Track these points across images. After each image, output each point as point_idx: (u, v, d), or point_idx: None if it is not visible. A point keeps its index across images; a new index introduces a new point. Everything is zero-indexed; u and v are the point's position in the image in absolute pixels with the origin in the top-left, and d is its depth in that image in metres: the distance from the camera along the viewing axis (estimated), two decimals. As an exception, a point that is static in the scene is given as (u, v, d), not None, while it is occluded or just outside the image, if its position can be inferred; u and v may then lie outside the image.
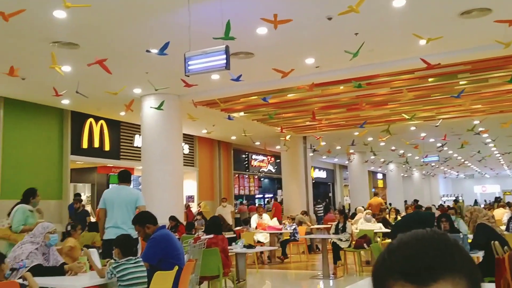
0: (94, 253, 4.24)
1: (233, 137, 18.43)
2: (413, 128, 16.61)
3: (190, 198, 17.14)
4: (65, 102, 11.55)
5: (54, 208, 11.76)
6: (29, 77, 9.10)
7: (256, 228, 11.73)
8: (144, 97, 11.24)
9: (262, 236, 11.26)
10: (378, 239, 9.95)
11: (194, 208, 16.44)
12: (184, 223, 10.53)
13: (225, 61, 6.06)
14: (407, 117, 12.42)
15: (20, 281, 3.75)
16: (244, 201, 20.90)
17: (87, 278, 4.09)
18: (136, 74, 9.47)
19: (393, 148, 21.11)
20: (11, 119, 11.10)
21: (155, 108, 9.95)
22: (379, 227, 10.80)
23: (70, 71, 8.76)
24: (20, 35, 7.17)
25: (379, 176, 36.36)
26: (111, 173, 15.60)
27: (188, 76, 6.75)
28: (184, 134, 12.37)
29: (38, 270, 4.07)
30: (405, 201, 26.67)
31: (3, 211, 10.49)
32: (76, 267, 4.25)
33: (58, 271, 4.27)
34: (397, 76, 10.31)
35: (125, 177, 6.48)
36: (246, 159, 21.54)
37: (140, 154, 12.54)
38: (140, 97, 11.20)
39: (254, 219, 12.25)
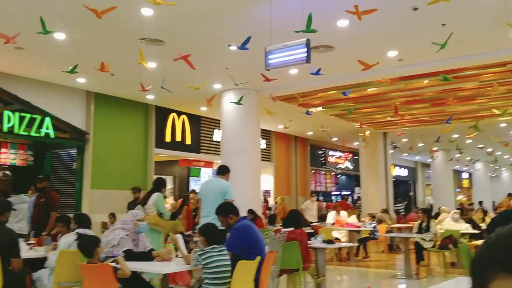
0: (180, 239, 4.39)
1: (310, 133, 18.30)
2: (503, 124, 15.57)
3: (267, 193, 17.28)
4: (150, 97, 12.06)
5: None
6: (117, 73, 9.59)
7: (333, 224, 11.59)
8: (224, 92, 11.47)
9: (340, 233, 11.09)
10: (464, 240, 9.44)
11: (271, 203, 16.55)
12: (262, 216, 10.62)
13: (306, 54, 6.02)
14: (497, 112, 11.65)
15: (113, 264, 3.96)
16: (321, 198, 20.71)
17: (173, 264, 4.24)
18: (217, 70, 9.67)
19: (481, 145, 19.91)
20: (101, 113, 11.78)
21: (235, 103, 10.12)
22: (465, 228, 10.24)
23: (155, 67, 9.13)
24: (111, 32, 7.57)
25: (465, 175, 34.50)
26: (191, 166, 16.12)
27: (268, 70, 6.79)
28: (261, 129, 12.47)
29: (129, 255, 4.29)
30: (493, 202, 25.10)
31: (94, 200, 11.22)
32: (163, 253, 4.42)
33: (147, 256, 4.47)
34: (487, 69, 9.69)
35: (220, 170, 6.95)
36: (323, 155, 21.32)
37: (219, 148, 12.83)
38: (220, 92, 11.44)
39: (332, 216, 12.11)
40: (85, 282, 4.02)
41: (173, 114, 13.73)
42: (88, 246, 4.16)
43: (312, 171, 20.59)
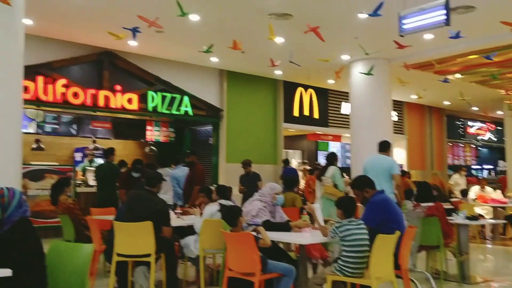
0: (318, 210, 4.41)
1: (447, 102, 17.09)
2: None
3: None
4: (278, 72, 12.22)
5: (269, 172, 12.67)
6: (247, 50, 9.83)
7: (475, 200, 10.77)
8: (353, 63, 11.17)
9: (483, 210, 10.28)
10: None
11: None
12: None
13: (445, 17, 5.59)
14: None
15: (254, 233, 4.13)
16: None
17: (310, 236, 4.29)
18: (345, 40, 9.43)
19: None
20: (233, 90, 12.26)
21: (365, 73, 9.81)
22: None
23: (283, 42, 9.18)
24: (241, 10, 7.76)
25: None
26: (319, 140, 16.09)
27: (402, 36, 6.44)
28: (392, 100, 11.94)
29: (267, 225, 4.44)
30: None
31: (229, 174, 11.80)
32: (301, 224, 4.50)
33: (285, 227, 4.59)
34: None
35: (382, 146, 7.09)
36: (462, 126, 19.82)
37: (347, 121, 12.61)
38: (348, 63, 11.17)
39: (474, 191, 11.26)
40: (228, 249, 4.25)
41: (301, 89, 13.77)
42: (231, 215, 4.37)
43: (449, 144, 19.28)
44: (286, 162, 12.57)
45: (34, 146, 10.16)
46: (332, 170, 7.73)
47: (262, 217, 4.64)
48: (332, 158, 8.06)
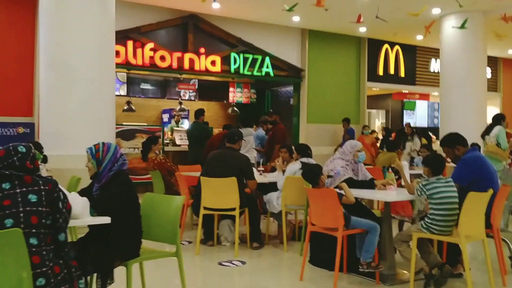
0: (406, 167, 4.29)
1: (550, 57, 15.60)
2: None
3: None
4: (362, 29, 11.77)
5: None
6: (331, 7, 9.54)
7: None
8: (444, 17, 10.47)
9: None
10: None
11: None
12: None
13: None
14: None
15: (337, 190, 4.12)
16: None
17: (395, 193, 4.20)
18: (436, -8, 8.84)
19: None
20: (315, 50, 12.03)
21: (458, 27, 9.19)
22: None
23: (368, -3, 8.79)
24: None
25: None
26: (405, 99, 15.47)
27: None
28: (487, 56, 11.11)
29: (350, 182, 4.40)
30: None
31: (310, 134, 11.76)
32: (386, 182, 4.40)
33: (369, 184, 4.52)
34: None
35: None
36: None
37: (436, 79, 11.96)
38: (439, 17, 10.49)
39: None
40: (311, 205, 4.29)
41: (386, 46, 13.21)
42: (313, 174, 4.39)
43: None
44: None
45: (125, 107, 10.72)
46: (497, 129, 7.70)
47: (345, 174, 4.60)
48: (499, 118, 7.96)
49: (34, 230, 2.39)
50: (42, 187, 2.46)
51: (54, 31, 6.49)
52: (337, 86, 12.42)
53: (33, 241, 2.38)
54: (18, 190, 2.41)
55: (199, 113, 9.11)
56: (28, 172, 2.49)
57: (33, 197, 2.42)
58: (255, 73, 11.19)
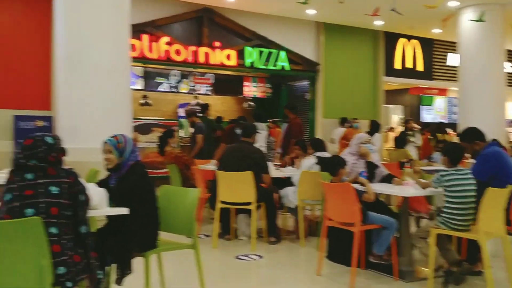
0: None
1: None
2: None
3: (512, 123, 15.35)
4: (378, 23, 11.66)
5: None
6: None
7: None
8: (462, 9, 10.33)
9: None
10: None
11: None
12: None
13: None
14: None
15: (357, 186, 4.09)
16: None
17: (413, 188, 4.15)
18: (455, -16, 8.71)
19: None
20: (330, 43, 11.96)
21: (475, 20, 9.05)
22: None
23: (385, -11, 8.69)
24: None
25: None
26: (423, 94, 15.30)
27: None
28: (506, 50, 10.93)
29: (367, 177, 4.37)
30: None
31: (326, 129, 11.71)
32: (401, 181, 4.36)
33: (385, 180, 4.48)
34: None
35: None
36: None
37: (454, 73, 11.81)
38: (456, 10, 10.34)
39: None
40: (327, 199, 4.26)
41: (403, 40, 13.07)
42: (333, 164, 4.36)
43: None
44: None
45: (142, 101, 10.79)
46: None
47: (358, 170, 4.56)
48: None
49: (54, 220, 2.42)
50: (64, 179, 2.49)
51: (70, 25, 6.54)
52: (353, 80, 12.33)
53: (53, 230, 2.41)
54: (40, 181, 2.44)
55: (205, 107, 9.23)
56: (51, 164, 2.51)
57: (54, 189, 2.44)
58: (270, 67, 11.16)
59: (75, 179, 2.56)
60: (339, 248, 4.55)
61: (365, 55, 12.59)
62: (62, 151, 2.62)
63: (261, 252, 5.02)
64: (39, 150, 2.50)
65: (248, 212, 5.45)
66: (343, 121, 10.87)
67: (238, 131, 8.55)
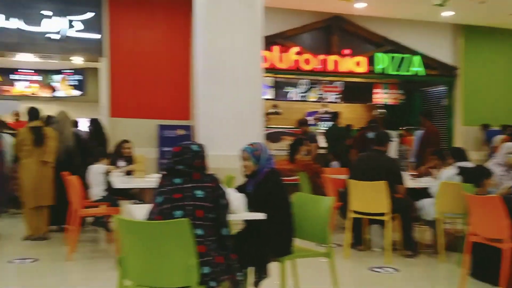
0: None
1: None
2: None
3: None
4: (526, 22, 10.57)
5: None
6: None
7: None
8: None
9: None
10: None
11: None
12: None
13: None
14: None
15: None
16: None
17: None
18: None
19: None
20: (471, 46, 11.12)
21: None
22: None
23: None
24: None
25: None
26: None
27: None
28: None
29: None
30: None
31: (466, 137, 10.90)
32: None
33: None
34: None
35: None
36: None
37: None
38: None
39: None
40: (472, 213, 3.94)
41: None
42: (477, 175, 4.05)
43: None
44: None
45: (272, 110, 11.07)
46: None
47: (505, 183, 4.15)
48: None
49: (200, 222, 2.57)
50: (208, 184, 2.64)
51: (208, 41, 6.94)
52: (497, 84, 11.31)
53: (199, 231, 2.56)
54: (187, 185, 2.62)
55: (335, 115, 9.21)
56: (197, 170, 2.69)
57: (199, 193, 2.60)
58: (402, 72, 10.74)
59: (217, 184, 2.70)
60: (485, 265, 4.18)
61: (510, 57, 11.47)
62: (205, 158, 2.79)
63: (397, 265, 4.81)
64: (186, 156, 2.69)
65: (380, 223, 5.27)
66: (504, 128, 10.00)
67: (370, 134, 8.38)
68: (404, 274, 4.64)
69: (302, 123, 9.11)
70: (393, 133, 8.60)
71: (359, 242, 5.48)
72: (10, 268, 4.64)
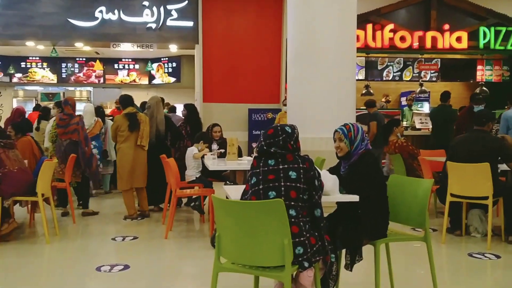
0: None
1: None
2: None
3: None
4: None
5: None
6: None
7: None
8: None
9: None
10: None
11: None
12: None
13: None
14: None
15: None
16: None
17: None
18: None
19: None
20: None
21: None
22: None
23: None
24: None
25: None
26: None
27: None
28: None
29: None
30: None
31: None
32: None
33: None
34: None
35: None
36: None
37: None
38: None
39: None
40: None
41: None
42: None
43: None
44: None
45: (364, 91, 10.78)
46: None
47: None
48: None
49: (293, 203, 2.61)
50: (301, 165, 2.67)
51: (300, 22, 6.90)
52: None
53: (292, 212, 2.60)
54: (281, 167, 2.66)
55: (445, 96, 8.56)
56: (290, 151, 2.73)
57: (293, 174, 2.64)
58: (509, 47, 9.93)
59: (310, 165, 2.71)
60: None
61: None
62: (298, 140, 2.81)
63: (499, 252, 4.53)
64: (280, 138, 2.73)
65: (481, 207, 4.98)
66: None
67: (477, 107, 7.82)
68: (507, 261, 4.36)
69: (370, 104, 8.74)
70: (497, 113, 8.01)
71: (457, 227, 5.22)
72: (113, 245, 4.99)
